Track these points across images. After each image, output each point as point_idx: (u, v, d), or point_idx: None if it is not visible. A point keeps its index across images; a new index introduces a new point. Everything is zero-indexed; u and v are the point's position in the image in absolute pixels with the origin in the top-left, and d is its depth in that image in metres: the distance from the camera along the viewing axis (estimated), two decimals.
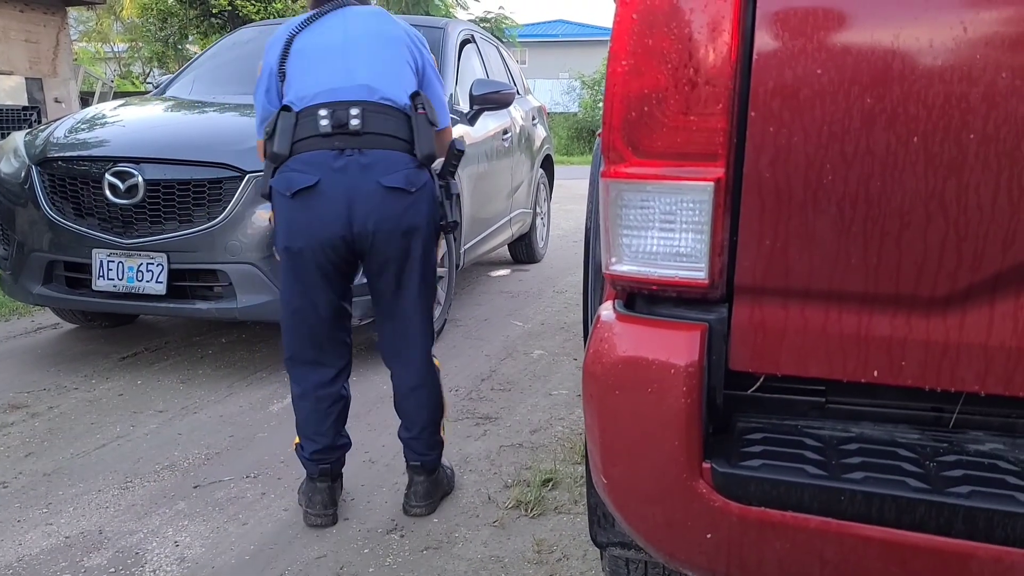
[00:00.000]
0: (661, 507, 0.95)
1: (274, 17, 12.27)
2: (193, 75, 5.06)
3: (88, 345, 4.23)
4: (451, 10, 19.86)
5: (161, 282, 3.51)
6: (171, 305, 3.57)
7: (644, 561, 1.76)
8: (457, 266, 4.60)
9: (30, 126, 6.84)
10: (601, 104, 13.66)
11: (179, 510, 2.54)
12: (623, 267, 0.99)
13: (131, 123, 4.10)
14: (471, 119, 4.88)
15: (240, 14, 12.19)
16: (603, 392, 0.96)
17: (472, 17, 19.61)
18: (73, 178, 3.65)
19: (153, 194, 3.51)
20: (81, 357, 4.02)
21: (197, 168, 3.52)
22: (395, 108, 2.24)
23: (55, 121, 4.25)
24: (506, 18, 19.28)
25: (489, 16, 19.25)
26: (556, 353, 4.25)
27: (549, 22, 36.65)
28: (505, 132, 5.58)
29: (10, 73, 8.46)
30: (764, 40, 0.87)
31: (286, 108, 2.23)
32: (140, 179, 3.50)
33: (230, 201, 3.48)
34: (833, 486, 0.88)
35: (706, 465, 0.93)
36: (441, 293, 4.35)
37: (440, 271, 4.29)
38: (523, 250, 6.66)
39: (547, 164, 6.96)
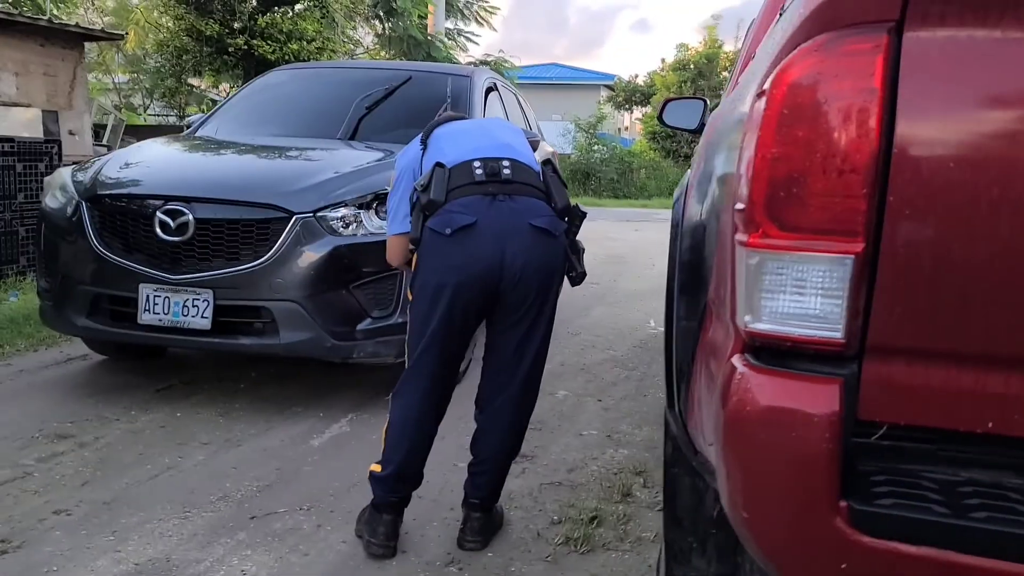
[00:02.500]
0: (801, 540, 1.07)
1: (289, 57, 12.50)
2: (226, 115, 5.21)
3: (120, 377, 4.31)
4: (451, 52, 20.23)
5: (207, 317, 3.62)
6: (215, 340, 3.67)
7: None
8: None
9: (50, 159, 6.94)
10: (595, 146, 14.02)
11: (240, 540, 2.62)
12: (762, 325, 1.13)
13: (178, 163, 4.24)
14: None
15: (255, 53, 12.39)
16: (748, 436, 1.09)
17: (472, 60, 19.97)
18: (123, 215, 3.77)
19: (202, 232, 3.63)
20: (116, 389, 4.10)
21: (246, 208, 3.65)
22: (533, 168, 2.49)
23: (100, 158, 4.38)
24: (506, 61, 19.64)
25: (489, 59, 19.60)
26: (580, 394, 4.37)
27: (543, 65, 37.23)
28: None
29: (28, 106, 8.59)
30: (903, 136, 1.02)
31: (440, 165, 2.43)
32: (191, 217, 3.62)
33: (277, 241, 3.61)
34: (959, 523, 1.01)
35: (843, 504, 1.06)
36: None
37: None
38: None
39: None
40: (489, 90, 5.58)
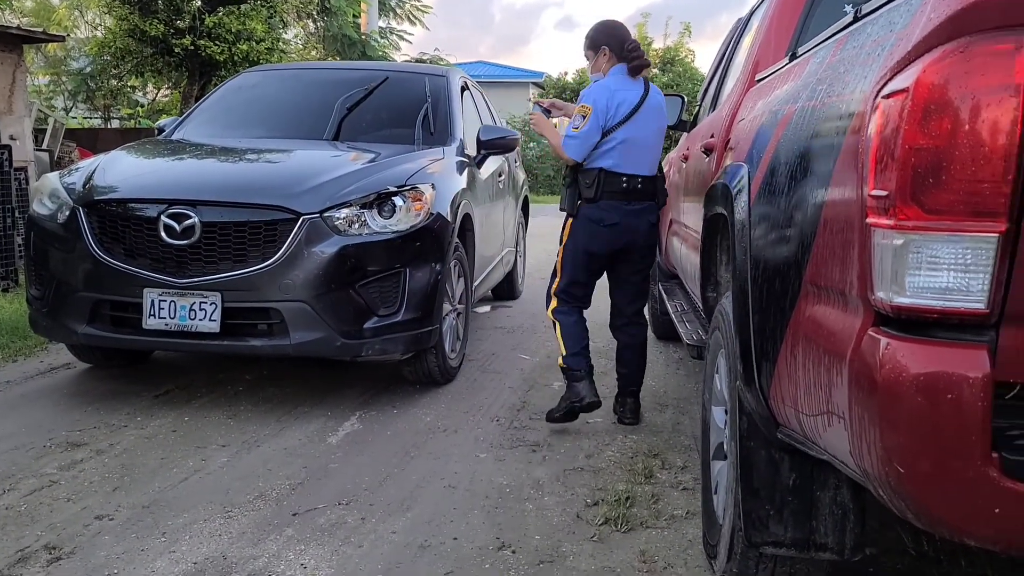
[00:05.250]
0: (959, 490, 1.20)
1: (239, 58, 12.29)
2: (202, 118, 5.16)
3: (112, 384, 4.25)
4: (386, 51, 20.13)
5: (215, 320, 3.62)
6: (225, 343, 3.67)
7: (792, 557, 2.01)
8: (470, 303, 4.81)
9: (0, 165, 6.74)
10: (531, 144, 14.08)
11: (289, 536, 2.66)
12: (906, 300, 1.26)
13: (177, 166, 4.21)
14: (479, 163, 5.13)
15: (202, 54, 12.12)
16: (905, 401, 1.22)
17: (408, 58, 19.92)
18: (125, 219, 3.73)
19: (209, 235, 3.63)
20: (113, 396, 4.05)
21: (253, 210, 3.66)
22: (656, 179, 3.69)
23: (87, 163, 4.30)
24: (441, 59, 19.64)
25: (425, 57, 19.58)
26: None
27: (471, 63, 37.18)
28: (500, 174, 5.85)
29: None
30: None
31: (602, 169, 3.56)
32: (197, 221, 3.61)
33: (284, 242, 3.63)
34: None
35: (994, 455, 1.19)
36: (460, 328, 4.56)
37: (458, 307, 4.51)
38: (506, 287, 6.89)
39: (524, 204, 7.25)
40: (463, 89, 5.66)
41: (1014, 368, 1.24)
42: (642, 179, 3.61)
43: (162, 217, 3.63)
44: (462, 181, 4.58)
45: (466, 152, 4.96)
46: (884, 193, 1.26)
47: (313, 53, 19.25)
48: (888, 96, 1.29)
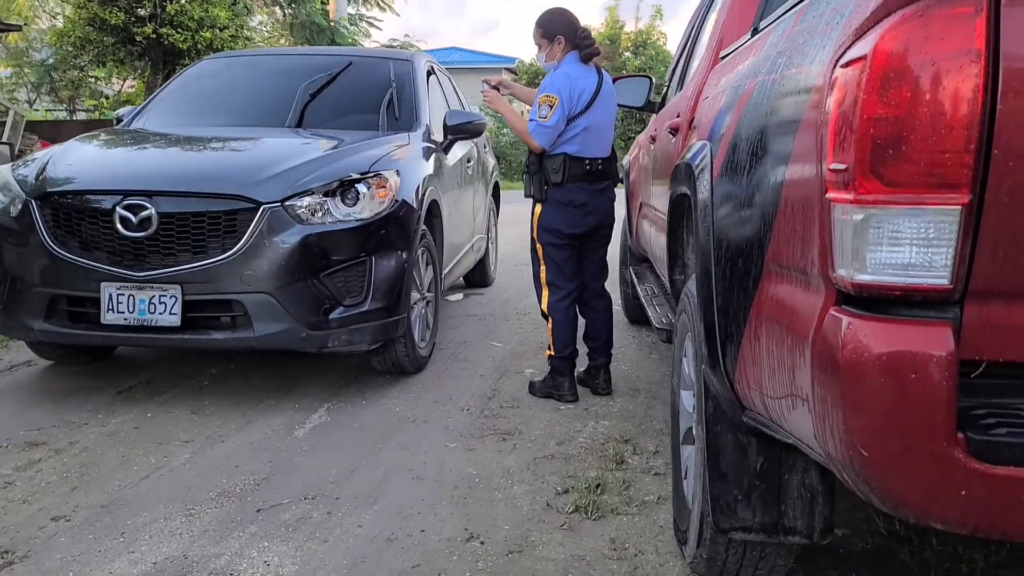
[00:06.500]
0: (924, 472, 1.16)
1: (202, 46, 12.06)
2: (162, 106, 5.04)
3: (74, 381, 4.15)
4: (355, 38, 19.93)
5: (175, 314, 3.53)
6: (186, 336, 3.59)
7: (761, 543, 1.97)
8: (440, 291, 4.75)
9: None
10: (504, 129, 14.06)
11: (253, 532, 2.59)
12: (867, 277, 1.21)
13: (133, 156, 4.10)
14: (446, 148, 5.05)
15: (165, 43, 11.89)
16: (867, 381, 1.17)
17: (378, 45, 19.72)
18: (79, 212, 3.62)
19: (167, 227, 3.53)
20: (74, 393, 3.95)
21: (212, 200, 3.56)
22: (611, 159, 3.89)
23: (39, 155, 4.18)
24: (412, 45, 19.48)
25: (395, 43, 19.40)
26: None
27: (444, 49, 36.95)
28: (469, 160, 5.78)
29: None
30: (1007, 92, 1.11)
31: (567, 155, 3.70)
32: (153, 212, 3.51)
33: (245, 232, 3.54)
34: None
35: (960, 435, 1.15)
36: (430, 317, 4.49)
37: (428, 295, 4.44)
38: (477, 274, 6.82)
39: (495, 190, 7.18)
40: (429, 73, 5.57)
41: (980, 345, 1.20)
42: (602, 161, 3.83)
43: (117, 209, 3.53)
44: (428, 167, 4.51)
45: (432, 138, 4.88)
46: (843, 166, 1.22)
47: (281, 41, 19.03)
48: (846, 65, 1.24)
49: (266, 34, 19.02)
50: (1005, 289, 1.18)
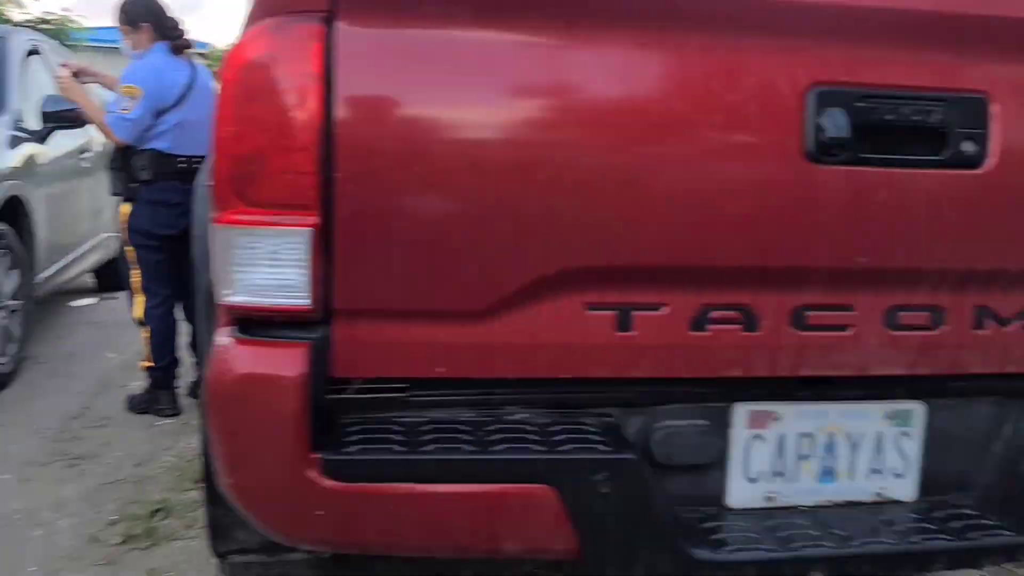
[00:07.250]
0: (281, 496, 1.15)
1: None
2: None
3: None
4: (3, 9, 17.70)
5: None
6: None
7: (262, 563, 1.92)
8: (32, 298, 4.29)
9: None
10: None
11: None
12: (237, 298, 1.17)
13: None
14: (43, 138, 4.56)
15: None
16: (225, 406, 1.14)
17: (30, 18, 17.63)
18: None
19: None
20: None
21: None
22: None
23: None
24: (71, 21, 17.65)
25: (50, 17, 17.48)
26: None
27: (110, 28, 34.03)
28: (83, 151, 5.27)
29: None
30: (342, 117, 1.12)
31: (156, 151, 3.39)
32: None
33: None
34: (411, 458, 1.16)
35: (314, 456, 1.15)
36: (14, 328, 4.04)
37: (13, 304, 4.00)
38: (111, 276, 6.26)
39: None
40: (30, 53, 5.00)
41: (355, 363, 1.21)
42: (198, 160, 3.49)
43: None
44: (12, 159, 4.04)
45: (23, 126, 4.38)
46: (211, 184, 1.18)
47: None
48: (218, 78, 1.20)
49: None
50: (369, 308, 1.20)
